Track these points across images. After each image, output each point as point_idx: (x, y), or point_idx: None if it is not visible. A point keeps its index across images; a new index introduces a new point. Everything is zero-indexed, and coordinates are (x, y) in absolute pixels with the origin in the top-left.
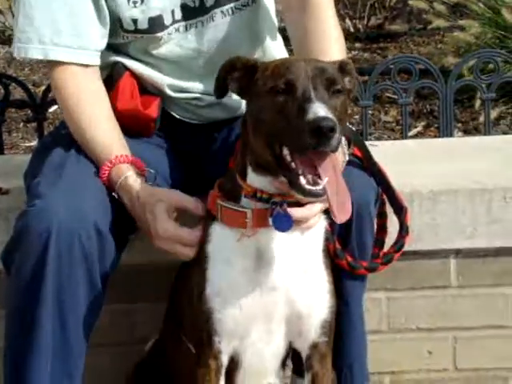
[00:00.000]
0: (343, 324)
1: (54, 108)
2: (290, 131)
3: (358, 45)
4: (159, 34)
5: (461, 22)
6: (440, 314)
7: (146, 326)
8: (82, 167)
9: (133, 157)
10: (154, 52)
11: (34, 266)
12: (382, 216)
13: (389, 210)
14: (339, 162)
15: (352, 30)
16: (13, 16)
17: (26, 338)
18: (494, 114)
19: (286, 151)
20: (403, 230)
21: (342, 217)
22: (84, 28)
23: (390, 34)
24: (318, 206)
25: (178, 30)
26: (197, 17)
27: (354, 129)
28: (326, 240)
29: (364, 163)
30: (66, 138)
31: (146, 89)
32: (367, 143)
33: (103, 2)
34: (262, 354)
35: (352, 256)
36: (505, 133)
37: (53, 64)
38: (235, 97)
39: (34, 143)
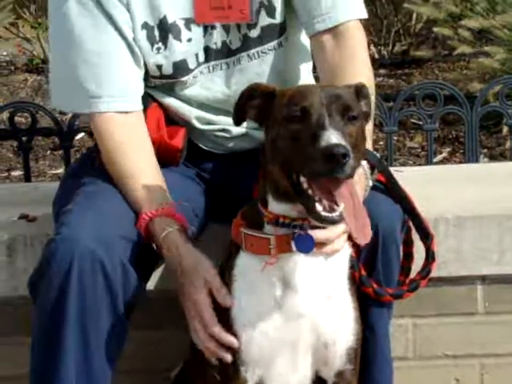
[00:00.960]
0: (369, 351)
1: (80, 136)
2: (304, 158)
3: (382, 71)
4: (184, 78)
5: (486, 48)
6: (467, 341)
7: (172, 353)
8: (115, 199)
9: (173, 209)
10: (181, 94)
11: (57, 294)
12: (408, 243)
13: (414, 236)
14: (357, 187)
15: (377, 56)
16: (41, 46)
17: (51, 365)
18: None
19: (302, 178)
20: (429, 257)
21: (362, 240)
22: (122, 76)
23: (415, 60)
24: (341, 228)
25: (202, 72)
26: (220, 58)
27: (378, 155)
28: (351, 267)
29: (388, 189)
30: (100, 167)
31: (173, 119)
32: (392, 169)
33: (136, 48)
34: (287, 382)
35: (378, 283)
36: None
37: (95, 115)
38: None
39: (61, 171)
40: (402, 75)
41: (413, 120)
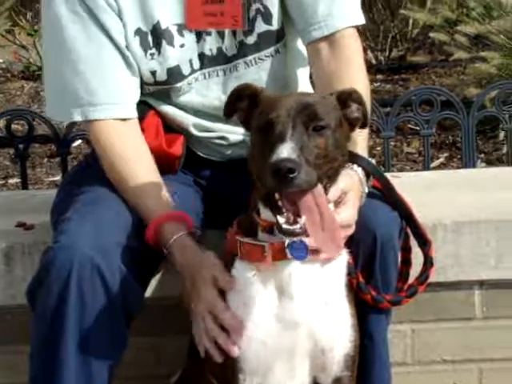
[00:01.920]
0: (368, 357)
1: (77, 143)
2: (261, 171)
3: (379, 76)
4: (178, 85)
5: (482, 54)
6: (465, 346)
7: (172, 360)
8: (114, 206)
9: (182, 213)
10: (177, 100)
11: (56, 302)
12: (406, 250)
13: (412, 241)
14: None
15: (374, 61)
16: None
17: (50, 373)
18: None
19: None
20: (427, 263)
21: (328, 253)
22: (116, 83)
23: (412, 66)
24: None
25: (197, 79)
26: (216, 65)
27: (373, 160)
28: (349, 274)
29: (385, 195)
30: (97, 174)
31: (170, 127)
32: (389, 175)
33: (131, 57)
34: None
35: (376, 290)
36: None
37: (92, 123)
38: None
39: (58, 178)
40: (398, 80)
41: (410, 125)
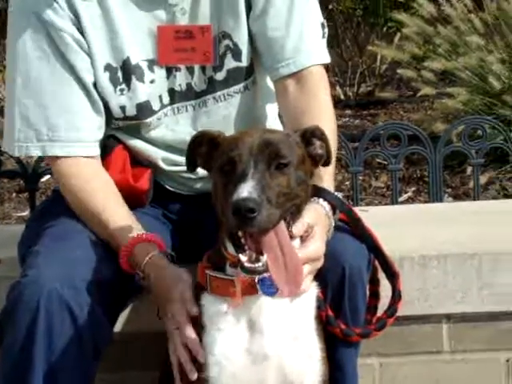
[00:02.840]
0: None
1: (45, 178)
2: (224, 211)
3: (348, 111)
4: (148, 120)
5: (449, 90)
6: (433, 379)
7: None
8: (82, 239)
9: (154, 235)
10: (147, 135)
11: (24, 336)
12: (375, 282)
13: (380, 274)
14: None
15: (342, 97)
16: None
17: None
18: (483, 179)
19: None
20: (395, 296)
21: (288, 291)
22: (79, 121)
23: (380, 101)
24: (306, 268)
25: (166, 114)
26: (185, 101)
27: (340, 194)
28: (318, 307)
29: (352, 228)
30: (65, 208)
31: (138, 161)
32: (358, 209)
33: (96, 95)
34: None
35: (345, 323)
36: (494, 198)
37: (53, 159)
38: None
39: (27, 213)
40: (367, 116)
41: (378, 160)
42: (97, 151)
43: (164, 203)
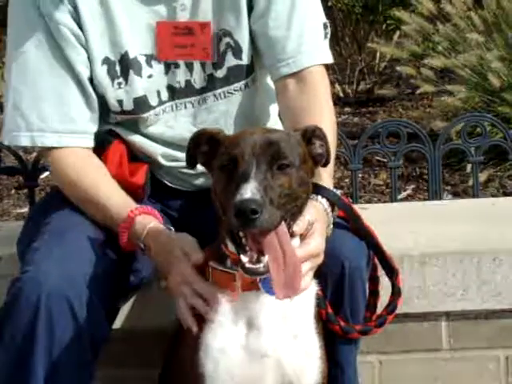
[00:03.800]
0: None
1: (45, 174)
2: (226, 210)
3: (347, 109)
4: (145, 115)
5: (448, 87)
6: (432, 377)
7: None
8: (81, 235)
9: (149, 207)
10: (146, 130)
11: (25, 333)
12: (375, 280)
13: (380, 272)
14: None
15: (341, 94)
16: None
17: None
18: (483, 176)
19: None
20: (395, 292)
21: (284, 294)
22: (72, 113)
23: (379, 99)
24: (306, 266)
25: (164, 110)
26: (184, 97)
27: (339, 192)
28: (318, 305)
29: (351, 224)
30: (64, 204)
31: (136, 156)
32: (357, 206)
33: (90, 89)
34: None
35: (344, 320)
36: (493, 195)
37: (46, 150)
38: None
39: (26, 210)
40: (366, 113)
41: (377, 157)
42: (90, 143)
43: (163, 200)
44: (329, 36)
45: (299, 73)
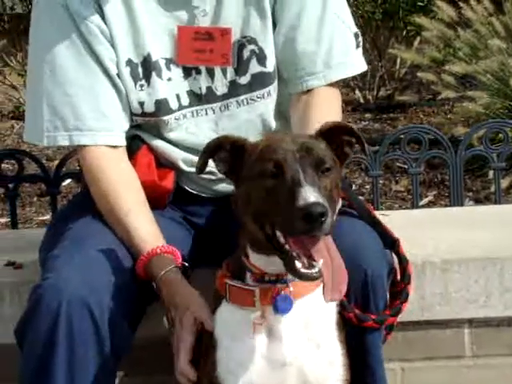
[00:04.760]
0: None
1: (67, 182)
2: (281, 216)
3: (367, 115)
4: (165, 118)
5: (469, 93)
6: None
7: None
8: (103, 242)
9: (172, 247)
10: (167, 136)
11: (45, 340)
12: (393, 284)
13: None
14: (332, 240)
15: (362, 100)
16: None
17: None
18: (505, 183)
19: (278, 233)
20: (405, 279)
21: (332, 298)
22: (105, 109)
23: (400, 105)
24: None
25: (185, 116)
26: (205, 104)
27: (362, 198)
28: (344, 309)
29: (349, 203)
30: (85, 212)
31: (161, 163)
32: (378, 213)
33: (121, 84)
34: None
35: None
36: None
37: (81, 149)
38: None
39: (48, 217)
40: (387, 120)
41: (398, 164)
42: (123, 141)
43: (185, 206)
44: (361, 45)
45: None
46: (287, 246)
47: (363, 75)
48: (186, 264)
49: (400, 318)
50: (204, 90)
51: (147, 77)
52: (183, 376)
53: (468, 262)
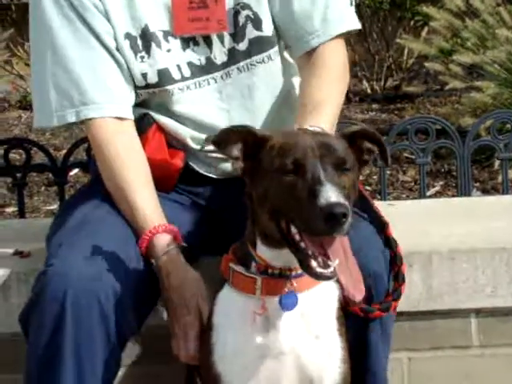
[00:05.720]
0: None
1: (74, 171)
2: (300, 214)
3: (375, 106)
4: (169, 87)
5: (477, 83)
6: (462, 374)
7: None
8: (109, 228)
9: (173, 227)
10: (175, 110)
11: (51, 326)
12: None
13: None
14: (347, 240)
15: (369, 91)
16: None
17: None
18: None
19: (294, 230)
20: (400, 279)
21: (357, 296)
22: (108, 83)
23: (407, 95)
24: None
25: (188, 87)
26: (206, 74)
27: (369, 188)
28: (348, 305)
29: None
30: (91, 200)
31: (170, 143)
32: (385, 203)
33: (121, 58)
34: None
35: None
36: None
37: (88, 123)
38: None
39: (55, 207)
40: (394, 110)
41: (405, 154)
42: (130, 114)
43: (191, 188)
44: (354, 4)
45: (316, 48)
46: (302, 244)
47: (370, 65)
48: (185, 244)
49: (407, 307)
50: (204, 61)
51: (147, 48)
52: (193, 360)
53: (475, 252)
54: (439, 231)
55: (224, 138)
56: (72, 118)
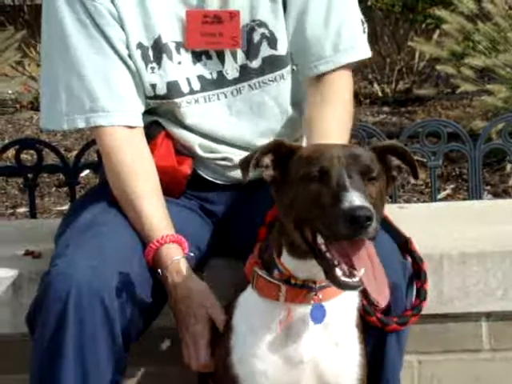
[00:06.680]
0: None
1: (85, 172)
2: (324, 220)
3: (386, 108)
4: (177, 100)
5: (488, 87)
6: (473, 378)
7: None
8: (114, 230)
9: (181, 237)
10: (183, 121)
11: (54, 328)
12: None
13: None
14: (373, 247)
15: (380, 94)
16: None
17: None
18: None
19: (320, 240)
20: (421, 296)
21: (382, 302)
22: (120, 91)
23: (418, 98)
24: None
25: (197, 101)
26: (216, 89)
27: None
28: (367, 314)
29: None
30: (98, 201)
31: (178, 150)
32: (396, 206)
33: (133, 66)
34: None
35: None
36: None
37: (98, 130)
38: None
39: (66, 207)
40: (405, 113)
41: (416, 157)
42: (140, 122)
43: (200, 193)
44: (366, 31)
45: (325, 74)
46: (328, 254)
47: (381, 68)
48: (192, 254)
49: None
50: (215, 75)
51: (158, 59)
52: (206, 369)
53: (486, 256)
54: (450, 235)
55: (263, 151)
56: (82, 124)
